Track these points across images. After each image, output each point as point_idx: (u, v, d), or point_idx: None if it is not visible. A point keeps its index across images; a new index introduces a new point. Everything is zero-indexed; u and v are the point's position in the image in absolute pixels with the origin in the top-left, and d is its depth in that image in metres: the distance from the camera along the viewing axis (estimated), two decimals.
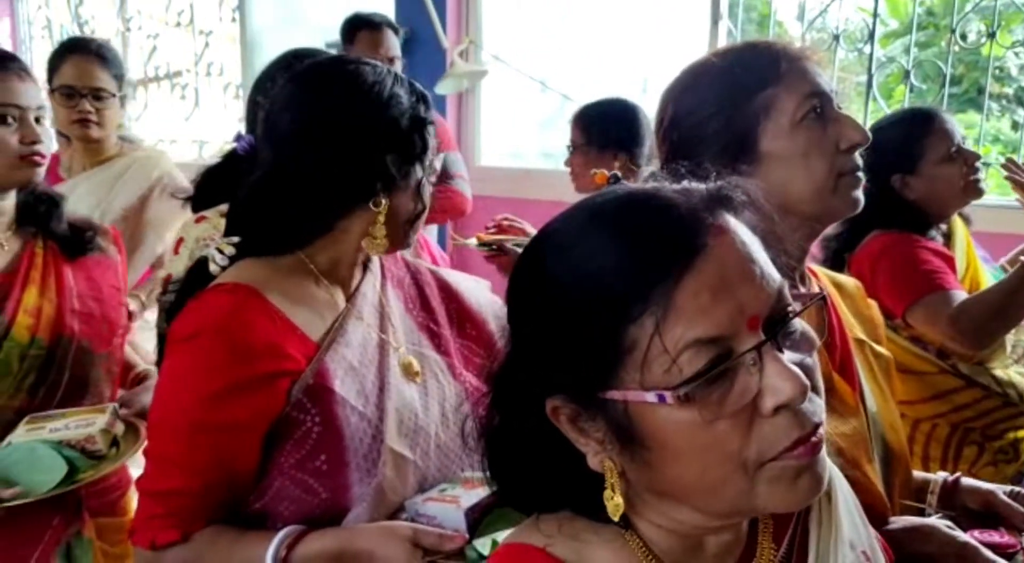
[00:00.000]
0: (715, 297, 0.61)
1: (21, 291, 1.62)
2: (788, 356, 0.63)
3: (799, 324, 0.65)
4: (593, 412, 0.65)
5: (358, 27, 2.98)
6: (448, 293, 1.35)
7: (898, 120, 2.06)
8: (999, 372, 1.95)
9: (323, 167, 1.12)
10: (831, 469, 0.78)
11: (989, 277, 2.08)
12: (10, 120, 1.59)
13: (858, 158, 1.10)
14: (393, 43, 2.95)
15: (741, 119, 1.07)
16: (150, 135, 5.33)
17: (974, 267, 2.06)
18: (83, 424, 1.55)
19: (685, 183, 0.68)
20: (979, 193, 2.00)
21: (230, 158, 1.57)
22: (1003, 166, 2.06)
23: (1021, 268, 1.76)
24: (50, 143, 1.68)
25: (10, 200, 1.67)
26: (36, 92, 1.63)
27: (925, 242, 1.95)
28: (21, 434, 1.53)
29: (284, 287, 1.13)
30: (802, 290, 1.16)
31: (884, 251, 1.93)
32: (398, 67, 2.98)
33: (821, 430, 0.63)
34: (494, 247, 2.17)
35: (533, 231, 2.41)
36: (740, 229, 0.65)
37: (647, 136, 2.48)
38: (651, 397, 0.61)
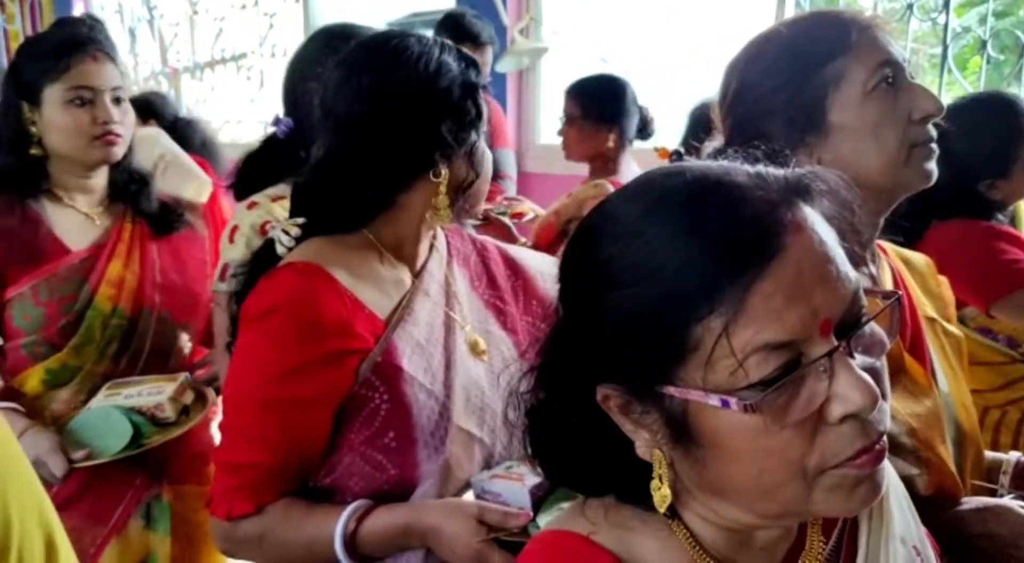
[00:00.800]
0: (789, 300, 0.57)
1: (106, 263, 1.70)
2: (859, 361, 0.60)
3: (871, 326, 0.62)
4: (647, 404, 0.63)
5: (460, 39, 3.02)
6: (514, 269, 1.35)
7: (988, 120, 1.87)
8: None
9: (381, 144, 1.13)
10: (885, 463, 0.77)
11: None
12: (84, 102, 1.64)
13: (931, 129, 1.06)
14: (488, 60, 3.12)
15: (809, 90, 1.05)
16: (216, 116, 5.46)
17: None
18: (155, 391, 1.63)
19: (760, 168, 0.64)
20: None
21: (269, 142, 1.61)
22: None
23: None
24: (128, 120, 1.72)
25: (101, 178, 1.74)
26: (113, 72, 1.68)
27: (997, 228, 1.88)
28: (100, 399, 1.63)
29: (351, 265, 1.14)
30: (872, 270, 1.14)
31: (957, 243, 1.84)
32: (486, 55, 3.10)
33: (885, 439, 0.61)
34: (480, 218, 2.20)
35: (533, 206, 2.44)
36: (818, 225, 0.61)
37: (635, 112, 2.59)
38: (714, 400, 0.59)
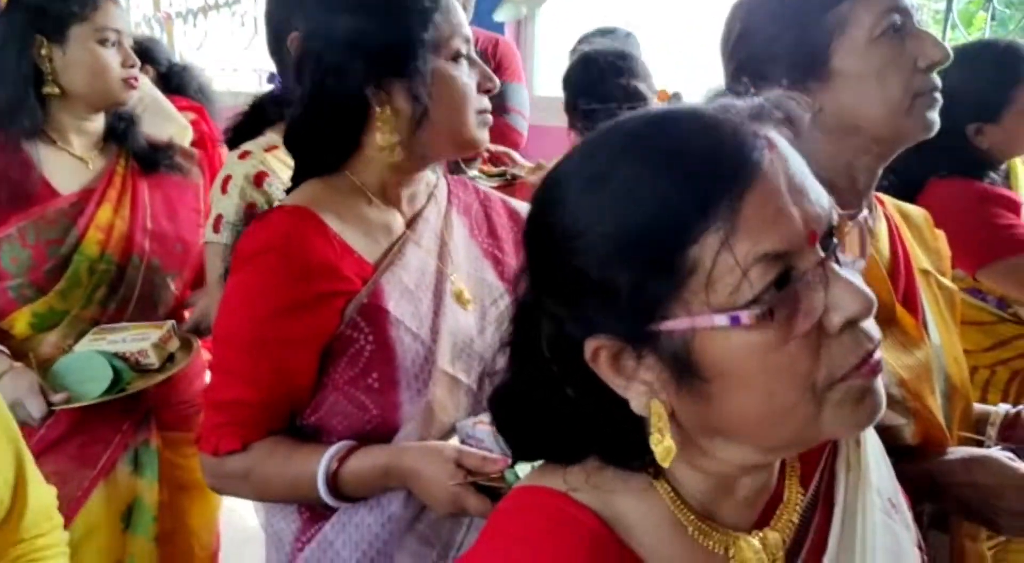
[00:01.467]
0: (779, 211, 0.58)
1: (96, 207, 1.69)
2: (846, 273, 0.61)
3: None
4: (641, 349, 0.61)
5: None
6: (517, 222, 1.34)
7: (981, 60, 1.83)
8: None
9: (324, 84, 1.12)
10: None
11: None
12: (112, 43, 1.65)
13: (936, 77, 1.04)
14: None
15: (814, 34, 1.03)
16: (210, 64, 5.37)
17: None
18: (139, 338, 1.63)
19: (721, 101, 0.65)
20: None
21: (264, 97, 1.60)
22: None
23: None
24: (134, 61, 1.72)
25: (99, 121, 1.74)
26: (127, 17, 1.67)
27: (991, 190, 1.84)
28: (85, 343, 1.63)
29: (340, 209, 1.15)
30: (867, 214, 1.13)
31: (949, 203, 1.79)
32: (470, 5, 2.94)
33: (880, 350, 0.62)
34: (508, 177, 2.16)
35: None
36: (786, 145, 0.63)
37: None
38: (722, 320, 0.58)
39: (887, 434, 1.01)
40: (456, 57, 1.15)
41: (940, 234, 1.28)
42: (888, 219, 1.18)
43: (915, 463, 1.03)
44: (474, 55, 1.18)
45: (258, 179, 1.66)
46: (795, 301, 0.58)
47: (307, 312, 1.10)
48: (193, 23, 5.47)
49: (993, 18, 3.10)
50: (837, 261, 0.61)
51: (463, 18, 1.17)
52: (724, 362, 0.60)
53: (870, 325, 0.61)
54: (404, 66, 1.11)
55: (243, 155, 1.68)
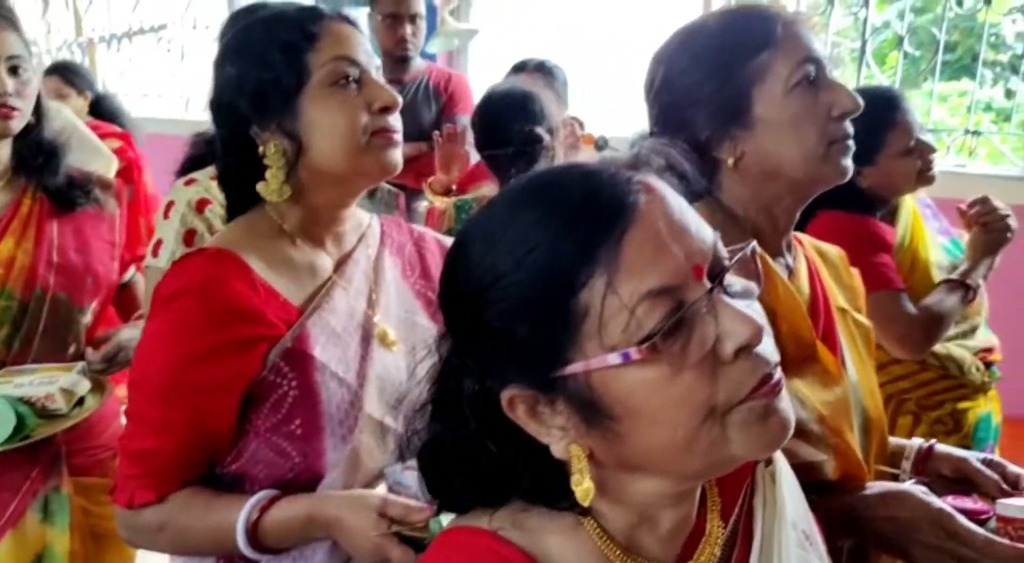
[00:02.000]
0: (659, 248, 0.61)
1: None
2: (736, 302, 0.64)
3: (736, 279, 0.66)
4: (552, 396, 0.64)
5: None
6: None
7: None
8: (937, 347, 1.99)
9: (217, 125, 1.17)
10: (776, 453, 0.79)
11: (939, 250, 2.10)
12: None
13: (849, 126, 1.09)
14: (413, 1, 2.99)
15: (735, 82, 1.07)
16: (135, 90, 5.26)
17: (918, 238, 2.07)
18: (47, 381, 1.56)
19: (603, 155, 0.69)
20: (931, 181, 2.00)
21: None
22: (966, 209, 2.06)
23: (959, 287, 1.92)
24: (29, 92, 1.61)
25: (3, 149, 1.64)
26: (10, 40, 1.57)
27: (870, 227, 1.96)
28: None
29: (264, 251, 1.13)
30: (789, 260, 1.16)
31: (827, 235, 1.89)
32: (421, 25, 3.02)
33: (779, 370, 0.64)
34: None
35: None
36: (666, 188, 0.66)
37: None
38: (615, 358, 0.61)
39: (808, 470, 1.03)
40: (334, 82, 1.12)
41: (855, 272, 1.33)
42: (807, 259, 1.22)
43: (835, 498, 1.06)
44: (372, 76, 1.15)
45: (199, 205, 1.67)
46: (687, 333, 0.61)
47: (226, 357, 1.07)
48: (117, 48, 5.35)
49: (905, 57, 3.24)
50: (727, 292, 0.64)
51: (354, 43, 1.14)
52: (627, 399, 0.62)
53: (766, 349, 0.64)
54: (275, 104, 1.11)
55: (188, 182, 1.71)
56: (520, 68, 2.95)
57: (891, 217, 2.05)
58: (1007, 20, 3.73)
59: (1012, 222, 2.02)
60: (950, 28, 3.41)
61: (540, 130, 2.07)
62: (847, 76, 3.46)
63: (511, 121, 2.06)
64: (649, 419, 0.62)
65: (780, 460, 0.82)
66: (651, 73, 1.16)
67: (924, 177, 1.98)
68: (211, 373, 1.07)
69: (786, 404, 0.64)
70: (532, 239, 0.63)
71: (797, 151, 1.07)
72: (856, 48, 3.31)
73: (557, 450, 0.66)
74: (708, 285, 0.63)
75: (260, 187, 1.13)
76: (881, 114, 1.93)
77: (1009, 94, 4.09)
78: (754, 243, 0.67)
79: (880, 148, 1.93)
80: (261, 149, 1.12)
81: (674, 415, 0.62)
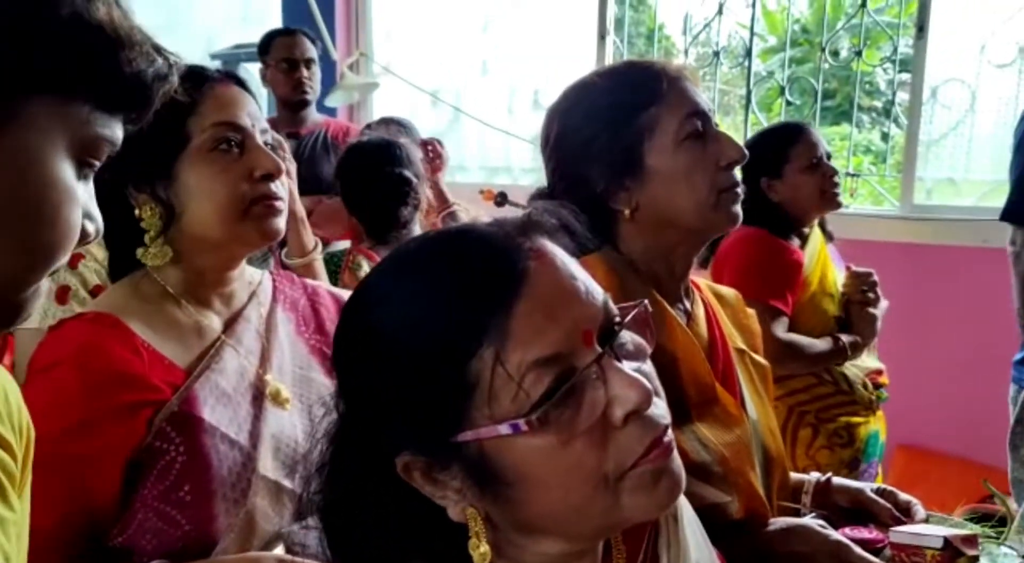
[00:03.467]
0: (547, 317, 0.61)
1: None
2: (627, 366, 0.64)
3: (628, 336, 0.66)
4: (446, 460, 0.64)
5: (274, 35, 3.09)
6: None
7: (771, 130, 2.36)
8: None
9: (98, 184, 1.12)
10: None
11: (839, 276, 2.28)
12: None
13: (737, 174, 1.14)
14: (307, 47, 3.03)
15: (626, 137, 1.11)
16: None
17: (824, 265, 2.25)
18: None
19: (495, 218, 0.69)
20: (836, 204, 2.21)
21: None
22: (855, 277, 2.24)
23: (836, 344, 2.11)
24: None
25: None
26: None
27: (781, 243, 2.15)
28: None
29: (146, 314, 1.10)
30: (687, 305, 1.20)
31: (741, 242, 2.09)
32: (316, 71, 3.04)
33: (670, 431, 0.65)
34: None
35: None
36: (557, 250, 0.66)
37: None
38: (504, 429, 0.60)
39: (712, 511, 1.05)
40: (214, 148, 1.10)
41: (751, 313, 1.37)
42: (705, 302, 1.26)
43: (740, 537, 1.08)
44: (256, 141, 1.13)
45: (72, 260, 1.60)
46: (576, 400, 0.61)
47: (106, 426, 1.03)
48: None
49: (788, 105, 3.42)
50: (616, 355, 0.64)
51: (238, 106, 1.13)
52: (519, 466, 0.62)
53: (657, 411, 0.64)
54: (151, 168, 1.09)
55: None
56: (377, 124, 3.00)
57: (802, 245, 2.22)
58: (879, 69, 3.98)
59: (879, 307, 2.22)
60: (828, 77, 3.63)
61: (408, 173, 2.11)
62: (736, 122, 3.62)
63: (379, 166, 2.10)
64: (542, 485, 0.62)
65: (682, 501, 0.82)
66: (546, 128, 1.19)
67: (828, 196, 2.17)
68: (91, 443, 1.03)
69: (677, 464, 0.65)
70: (424, 307, 0.62)
71: (689, 200, 1.11)
72: (743, 96, 3.47)
73: (454, 513, 0.66)
74: (598, 350, 0.62)
75: (140, 253, 1.10)
76: (788, 133, 2.23)
77: (885, 137, 4.35)
78: (646, 302, 0.68)
79: (785, 161, 2.16)
80: (137, 212, 1.09)
81: (566, 482, 0.62)
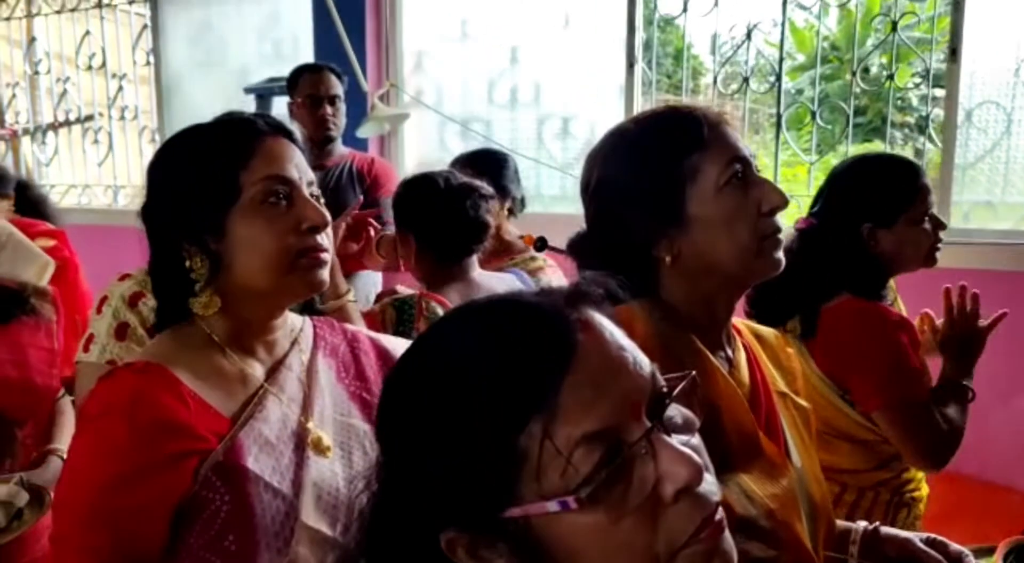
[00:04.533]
0: (597, 390, 0.61)
1: None
2: (675, 439, 0.63)
3: (676, 409, 0.66)
4: (492, 537, 0.63)
5: (301, 72, 3.12)
6: (387, 361, 1.32)
7: (884, 169, 1.93)
8: None
9: (150, 235, 1.17)
10: None
11: None
12: None
13: (779, 220, 1.14)
14: (332, 83, 3.07)
15: (667, 184, 1.10)
16: (61, 181, 5.17)
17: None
18: None
19: (543, 287, 0.69)
20: (934, 262, 1.93)
21: None
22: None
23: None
24: None
25: None
26: None
27: (892, 315, 1.88)
28: None
29: (193, 363, 1.12)
30: (729, 352, 1.19)
31: (856, 328, 1.84)
32: (341, 107, 3.08)
33: (721, 509, 0.64)
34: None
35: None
36: (605, 322, 0.66)
37: (518, 187, 2.54)
38: (553, 506, 0.60)
39: None
40: (263, 201, 1.12)
41: (792, 352, 1.36)
42: (746, 348, 1.25)
43: None
44: (303, 193, 1.15)
45: (133, 299, 1.66)
46: (625, 476, 0.60)
47: (154, 476, 1.04)
48: (42, 140, 5.27)
49: (818, 125, 3.40)
50: (666, 429, 0.63)
51: (287, 159, 1.15)
52: (567, 545, 0.61)
53: (708, 487, 0.63)
54: (203, 220, 1.12)
55: (123, 277, 1.70)
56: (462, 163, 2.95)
57: (893, 301, 2.00)
58: (911, 84, 3.95)
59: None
60: (859, 94, 3.60)
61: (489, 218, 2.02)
62: (766, 140, 3.60)
63: (464, 207, 1.96)
64: None
65: None
66: (586, 173, 1.19)
67: (931, 255, 1.91)
68: (139, 494, 1.04)
69: (729, 543, 0.64)
70: (472, 380, 0.62)
71: (731, 247, 1.11)
72: (773, 114, 3.46)
73: None
74: (647, 424, 0.62)
75: (191, 301, 1.14)
76: (908, 178, 1.88)
77: (918, 154, 4.31)
78: (694, 373, 0.67)
79: (902, 211, 1.86)
80: (188, 263, 1.13)
81: (615, 562, 0.61)
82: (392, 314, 1.84)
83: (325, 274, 1.17)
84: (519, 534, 0.62)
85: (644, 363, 0.65)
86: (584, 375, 0.61)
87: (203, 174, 1.12)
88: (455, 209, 1.98)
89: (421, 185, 2.03)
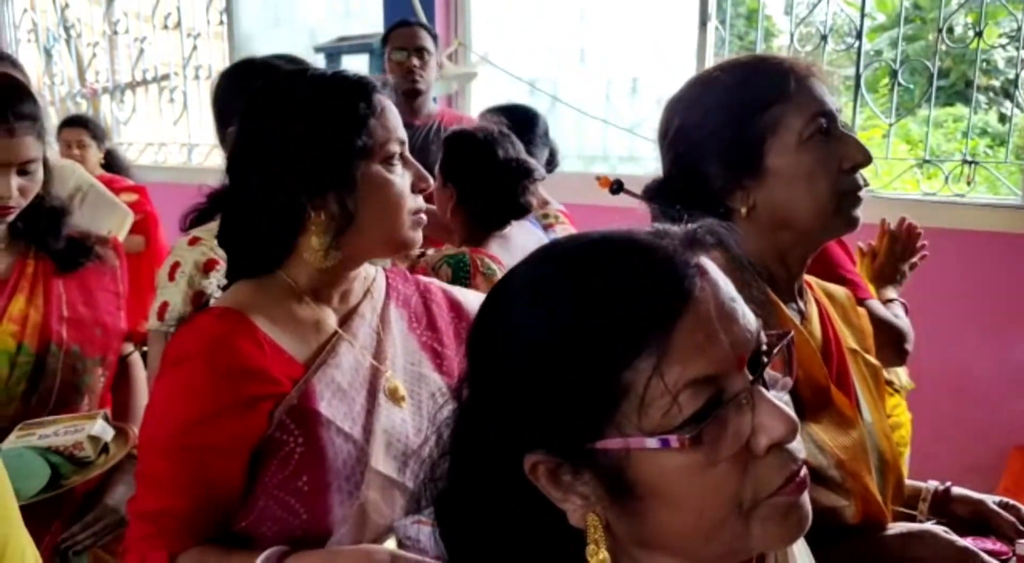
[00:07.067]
0: (708, 337, 0.61)
1: (7, 301, 1.64)
2: (772, 395, 0.64)
3: (771, 370, 0.66)
4: (579, 465, 0.64)
5: (394, 27, 3.13)
6: (459, 312, 1.33)
7: None
8: None
9: (257, 191, 1.15)
10: None
11: None
12: None
13: (860, 177, 1.11)
14: (420, 36, 3.05)
15: (748, 135, 1.09)
16: (138, 139, 5.32)
17: None
18: (72, 430, 1.57)
19: (656, 226, 0.68)
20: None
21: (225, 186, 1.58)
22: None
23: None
24: (32, 186, 1.62)
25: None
26: (24, 145, 1.57)
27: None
28: (11, 441, 1.55)
29: (270, 309, 1.15)
30: (801, 305, 1.18)
31: None
32: (429, 61, 3.04)
33: (805, 467, 0.64)
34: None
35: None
36: (718, 271, 0.66)
37: (545, 145, 2.51)
38: (653, 442, 0.60)
39: (829, 515, 1.04)
40: (390, 159, 1.16)
41: (862, 312, 1.34)
42: (817, 302, 1.23)
43: (857, 542, 1.07)
44: (408, 155, 1.19)
45: (207, 267, 1.66)
46: (723, 424, 0.61)
47: (233, 417, 1.09)
48: (120, 99, 5.42)
49: (899, 86, 3.28)
50: (764, 383, 0.64)
51: (397, 121, 1.18)
52: (656, 482, 0.62)
53: (795, 445, 0.64)
54: (338, 176, 1.12)
55: (193, 241, 1.69)
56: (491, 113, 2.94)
57: None
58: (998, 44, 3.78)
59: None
60: (942, 56, 3.46)
61: (530, 161, 2.02)
62: (843, 104, 3.50)
63: (495, 154, 1.96)
64: (675, 504, 0.62)
65: None
66: (665, 121, 1.18)
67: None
68: (219, 433, 1.08)
69: (807, 502, 0.64)
70: (583, 310, 0.62)
71: (809, 203, 1.09)
72: (850, 76, 3.35)
73: (575, 518, 0.65)
74: (750, 376, 0.63)
75: (312, 246, 1.14)
76: None
77: (1003, 119, 4.12)
78: (792, 333, 0.68)
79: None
80: (311, 216, 1.13)
81: (700, 504, 0.62)
82: (448, 271, 1.84)
83: (421, 235, 1.21)
84: (607, 466, 0.63)
85: (751, 318, 0.65)
86: (698, 320, 0.61)
87: (340, 126, 1.12)
88: (507, 187, 1.98)
89: (477, 150, 2.00)
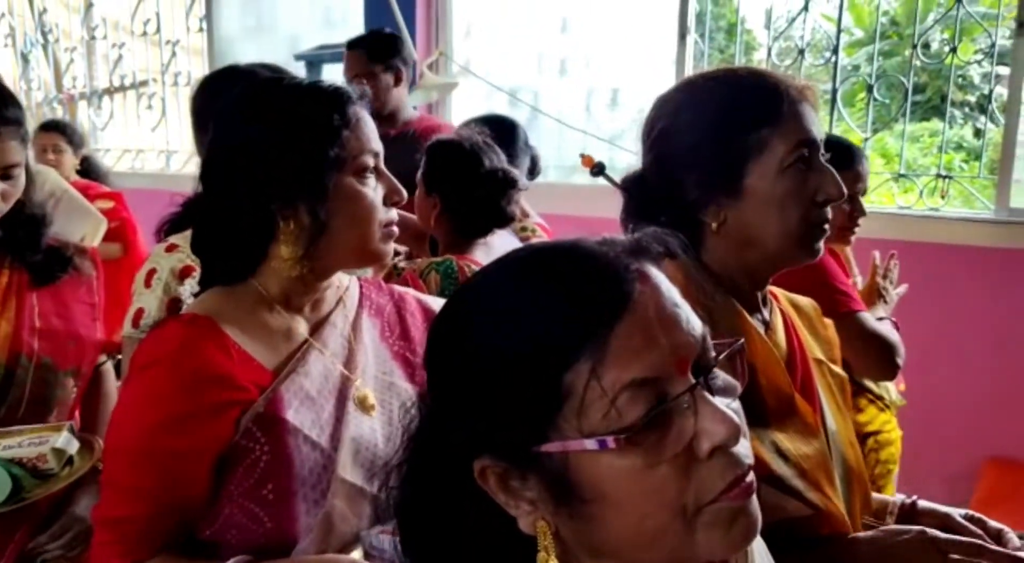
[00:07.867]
0: (647, 340, 0.62)
1: None
2: (717, 400, 0.64)
3: (720, 373, 0.67)
4: (525, 470, 0.65)
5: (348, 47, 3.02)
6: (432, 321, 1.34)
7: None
8: None
9: (227, 195, 1.14)
10: None
11: None
12: None
13: (829, 211, 1.11)
14: (362, 62, 2.94)
15: (732, 153, 1.08)
16: (116, 145, 5.28)
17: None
18: (36, 442, 1.54)
19: (604, 235, 0.69)
20: (847, 242, 2.13)
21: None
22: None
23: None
24: (15, 190, 1.59)
25: None
26: (7, 149, 1.54)
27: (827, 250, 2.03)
28: None
29: (241, 317, 1.14)
30: (765, 315, 1.18)
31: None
32: (383, 77, 2.93)
33: (752, 473, 0.64)
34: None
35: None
36: (662, 277, 0.67)
37: (526, 153, 2.51)
38: (592, 444, 0.61)
39: (797, 525, 1.04)
40: (363, 171, 1.15)
41: (829, 323, 1.34)
42: (783, 312, 1.23)
43: (819, 552, 1.06)
44: (382, 168, 1.19)
45: (183, 273, 1.65)
46: (665, 426, 0.61)
47: (198, 423, 1.08)
48: (97, 105, 5.38)
49: (875, 101, 3.31)
50: (709, 388, 0.64)
51: (373, 132, 1.17)
52: (598, 484, 0.62)
53: (742, 450, 0.64)
54: (309, 186, 1.11)
55: (170, 248, 1.68)
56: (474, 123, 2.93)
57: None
58: (973, 61, 3.82)
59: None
60: (918, 71, 3.50)
61: (513, 172, 2.02)
62: (820, 117, 3.52)
63: (479, 164, 1.96)
64: (618, 506, 0.63)
65: None
66: (651, 119, 1.17)
67: (844, 233, 2.07)
68: (184, 439, 1.08)
69: (755, 507, 0.64)
70: (525, 314, 0.63)
71: (778, 228, 1.09)
72: (827, 89, 3.38)
73: (524, 524, 0.66)
74: (692, 380, 0.63)
75: (281, 260, 1.14)
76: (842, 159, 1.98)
77: (978, 133, 4.17)
78: (742, 340, 0.68)
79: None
80: (281, 225, 1.12)
81: (643, 506, 0.62)
82: (437, 277, 1.84)
83: (392, 247, 1.21)
84: (551, 470, 0.63)
85: (696, 324, 0.66)
86: (637, 324, 0.62)
87: (314, 135, 1.11)
88: (491, 197, 1.98)
89: (464, 159, 1.99)
